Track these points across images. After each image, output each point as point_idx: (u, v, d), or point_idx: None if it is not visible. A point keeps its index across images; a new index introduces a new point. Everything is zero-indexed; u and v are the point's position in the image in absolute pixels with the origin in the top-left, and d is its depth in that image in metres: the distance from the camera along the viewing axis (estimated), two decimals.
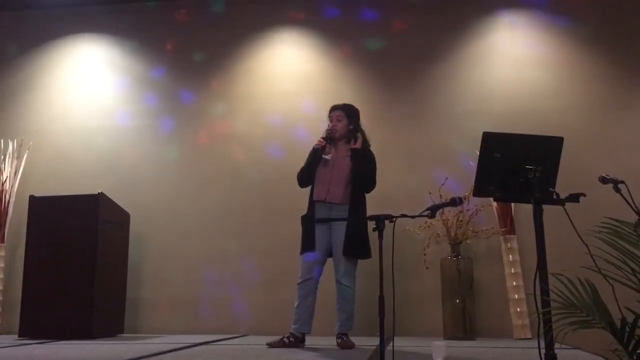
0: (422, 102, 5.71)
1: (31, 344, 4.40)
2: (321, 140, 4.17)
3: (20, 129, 6.10)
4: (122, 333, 5.28)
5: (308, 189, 4.26)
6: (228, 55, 6.11)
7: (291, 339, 3.98)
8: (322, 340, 4.34)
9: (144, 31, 6.29)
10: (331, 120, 4.28)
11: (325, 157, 4.18)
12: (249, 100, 5.96)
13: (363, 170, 4.16)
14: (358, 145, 4.21)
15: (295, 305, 4.07)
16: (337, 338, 4.03)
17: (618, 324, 2.01)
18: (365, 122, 5.80)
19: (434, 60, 5.78)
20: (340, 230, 4.07)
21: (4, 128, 6.11)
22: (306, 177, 4.23)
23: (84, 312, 4.79)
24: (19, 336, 4.86)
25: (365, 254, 4.07)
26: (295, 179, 4.28)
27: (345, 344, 3.94)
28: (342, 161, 4.19)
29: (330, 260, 4.17)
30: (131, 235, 5.52)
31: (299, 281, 4.08)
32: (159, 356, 3.49)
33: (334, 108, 4.33)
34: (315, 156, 4.18)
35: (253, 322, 5.32)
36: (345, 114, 4.29)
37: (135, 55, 6.25)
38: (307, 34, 6.05)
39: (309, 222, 4.13)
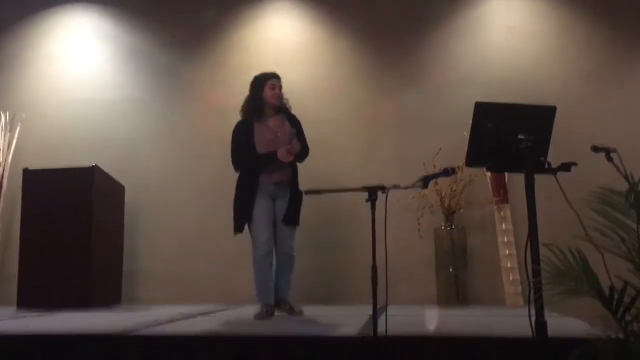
0: (415, 72, 5.68)
1: (29, 316, 4.44)
2: (291, 155, 4.00)
3: (12, 101, 6.04)
4: (120, 303, 5.33)
5: None
6: (221, 25, 6.05)
7: (269, 310, 3.99)
8: (311, 309, 4.38)
9: (134, 1, 6.20)
10: (274, 89, 4.14)
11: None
12: (243, 71, 5.85)
13: (305, 154, 4.19)
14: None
15: (261, 276, 4.03)
16: (285, 305, 4.08)
17: (607, 292, 2.03)
18: (358, 91, 5.81)
19: (428, 30, 5.74)
20: (285, 203, 4.10)
21: None
22: (249, 170, 4.09)
23: (81, 283, 4.83)
24: (17, 308, 4.90)
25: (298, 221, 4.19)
26: None
27: (299, 309, 4.08)
28: (284, 136, 4.08)
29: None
30: (126, 207, 5.53)
31: (263, 253, 4.02)
32: (158, 327, 3.53)
33: (277, 76, 4.20)
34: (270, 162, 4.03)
35: (250, 292, 5.34)
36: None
37: (126, 26, 6.17)
38: (300, 4, 5.98)
39: (255, 197, 4.04)
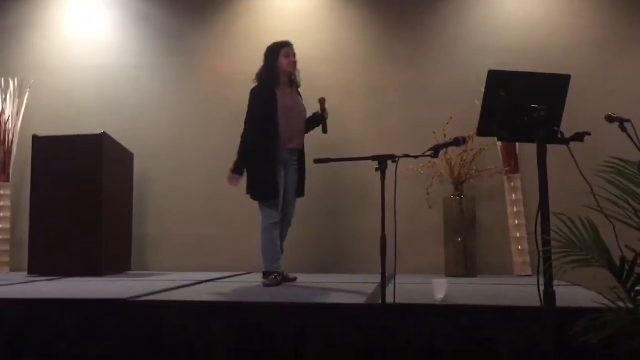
0: (427, 40, 5.60)
1: (40, 280, 4.50)
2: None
3: (21, 67, 6.02)
4: (130, 270, 5.39)
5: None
6: None
7: (278, 277, 4.04)
8: (320, 277, 4.40)
9: None
10: (288, 56, 4.19)
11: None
12: (252, 38, 5.83)
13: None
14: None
15: (272, 244, 4.09)
16: (289, 276, 4.20)
17: (618, 262, 2.02)
18: (368, 59, 5.74)
19: None
20: (294, 174, 4.22)
21: (4, 67, 6.03)
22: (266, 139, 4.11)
23: (92, 249, 4.88)
24: (28, 273, 4.97)
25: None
26: None
27: (293, 276, 4.25)
28: (302, 107, 4.23)
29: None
30: (135, 174, 5.55)
31: (276, 221, 4.09)
32: (167, 292, 3.57)
33: (290, 44, 4.25)
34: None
35: (258, 259, 5.39)
36: None
37: None
38: None
39: (276, 166, 4.07)
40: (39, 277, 4.74)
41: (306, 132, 4.33)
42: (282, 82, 4.19)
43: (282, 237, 4.24)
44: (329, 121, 4.25)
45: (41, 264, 4.95)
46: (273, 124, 4.04)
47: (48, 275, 4.83)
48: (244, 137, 4.12)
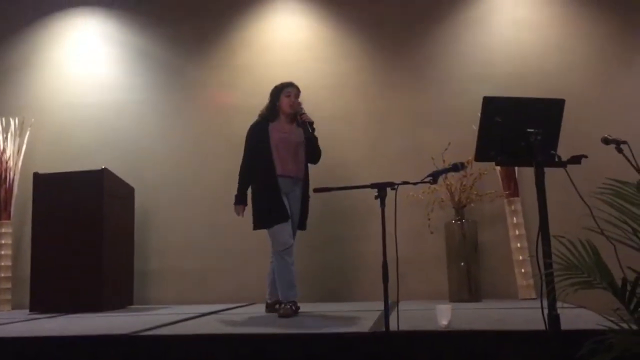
0: (424, 67, 5.66)
1: (42, 318, 4.48)
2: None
3: (21, 106, 6.08)
4: (132, 304, 5.36)
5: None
6: (227, 24, 6.05)
7: (293, 307, 4.01)
8: (323, 306, 4.37)
9: (140, 2, 6.21)
10: (289, 96, 4.29)
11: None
12: (250, 71, 5.91)
13: (318, 150, 4.34)
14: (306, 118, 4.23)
15: (286, 272, 4.05)
16: (280, 304, 4.04)
17: (620, 283, 2.03)
18: (366, 87, 5.80)
19: (435, 23, 5.72)
20: (295, 205, 4.24)
21: (4, 106, 6.09)
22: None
23: (93, 285, 4.86)
24: (30, 311, 4.94)
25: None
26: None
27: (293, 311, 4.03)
28: (296, 137, 4.27)
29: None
30: (136, 208, 5.56)
31: (287, 248, 4.07)
32: (169, 326, 3.55)
33: (293, 85, 4.36)
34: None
35: (259, 290, 5.36)
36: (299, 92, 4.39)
37: (132, 28, 6.19)
38: (306, 1, 5.97)
39: (277, 192, 4.13)
40: (41, 315, 4.72)
41: (313, 163, 4.37)
42: (280, 119, 4.31)
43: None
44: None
45: (43, 301, 4.92)
46: (266, 155, 4.17)
47: (50, 312, 4.80)
48: (240, 170, 4.30)
